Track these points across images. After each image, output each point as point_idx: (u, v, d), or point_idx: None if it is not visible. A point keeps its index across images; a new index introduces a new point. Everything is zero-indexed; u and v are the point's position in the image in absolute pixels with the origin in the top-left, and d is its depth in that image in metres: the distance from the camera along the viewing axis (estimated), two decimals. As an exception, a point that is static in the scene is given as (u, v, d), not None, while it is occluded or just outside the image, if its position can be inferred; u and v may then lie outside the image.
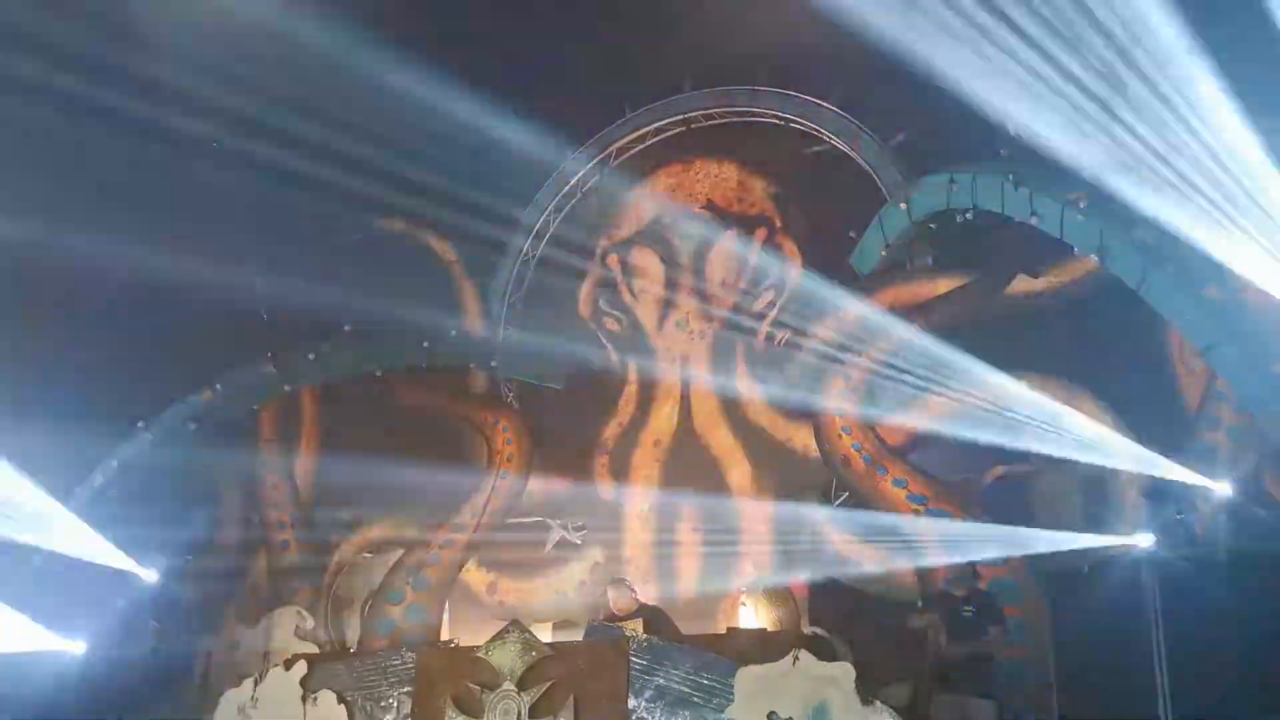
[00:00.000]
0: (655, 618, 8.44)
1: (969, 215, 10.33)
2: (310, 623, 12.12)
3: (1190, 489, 8.87)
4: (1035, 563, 9.18)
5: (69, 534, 11.51)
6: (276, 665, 8.14)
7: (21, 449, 10.66)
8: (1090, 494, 10.04)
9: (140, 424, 11.58)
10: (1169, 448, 9.08)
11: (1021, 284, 10.33)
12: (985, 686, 7.50)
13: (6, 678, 10.45)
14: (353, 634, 12.17)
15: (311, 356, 11.93)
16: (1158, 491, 9.14)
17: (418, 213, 12.89)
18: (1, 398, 10.30)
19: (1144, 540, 8.84)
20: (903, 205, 10.89)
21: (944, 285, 10.75)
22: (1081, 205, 9.33)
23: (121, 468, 11.60)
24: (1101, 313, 9.87)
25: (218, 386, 11.72)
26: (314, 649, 11.36)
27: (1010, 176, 9.72)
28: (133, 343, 12.86)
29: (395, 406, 12.29)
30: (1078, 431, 10.11)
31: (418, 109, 11.17)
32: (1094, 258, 9.40)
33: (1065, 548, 8.86)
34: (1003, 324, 10.59)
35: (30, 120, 10.81)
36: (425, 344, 12.09)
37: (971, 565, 7.99)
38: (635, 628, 8.00)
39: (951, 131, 10.45)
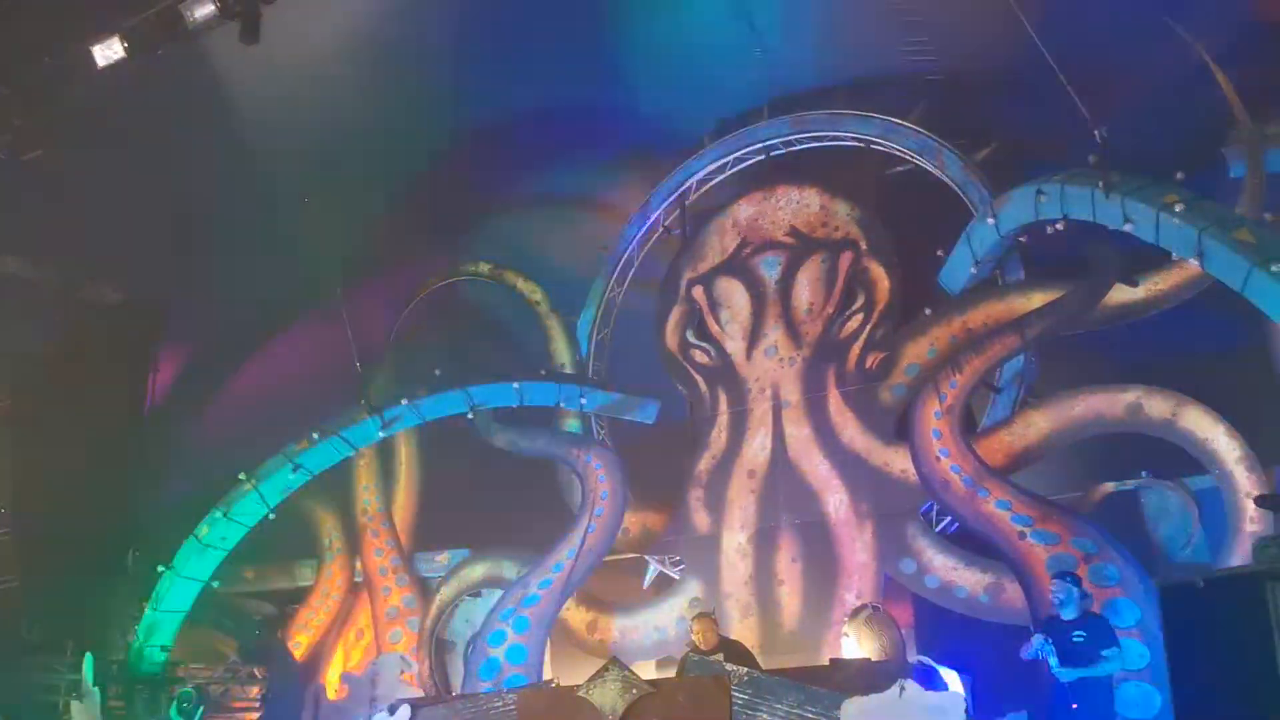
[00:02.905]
0: (735, 653, 8.30)
1: (1059, 226, 10.07)
2: (414, 667, 12.24)
3: (1310, 497, 8.46)
4: (1148, 581, 8.81)
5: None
6: (382, 710, 8.19)
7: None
8: (1205, 506, 9.65)
9: (242, 476, 11.85)
10: (1285, 455, 8.69)
11: (1119, 293, 10.01)
12: (1102, 714, 7.19)
13: None
14: (456, 677, 12.23)
15: (405, 401, 12.10)
16: (1275, 500, 8.74)
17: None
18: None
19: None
20: (990, 220, 10.65)
21: (1038, 299, 10.45)
22: (1177, 209, 9.02)
23: (229, 519, 11.87)
24: (1205, 318, 9.52)
25: (315, 435, 11.94)
26: (419, 693, 11.45)
27: (1100, 183, 9.44)
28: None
29: (488, 448, 12.36)
30: (1188, 442, 9.74)
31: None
32: (1193, 261, 9.07)
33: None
34: (1102, 336, 10.28)
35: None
36: (515, 385, 12.17)
37: (1081, 587, 7.68)
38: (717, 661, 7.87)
39: (1036, 141, 10.21)
